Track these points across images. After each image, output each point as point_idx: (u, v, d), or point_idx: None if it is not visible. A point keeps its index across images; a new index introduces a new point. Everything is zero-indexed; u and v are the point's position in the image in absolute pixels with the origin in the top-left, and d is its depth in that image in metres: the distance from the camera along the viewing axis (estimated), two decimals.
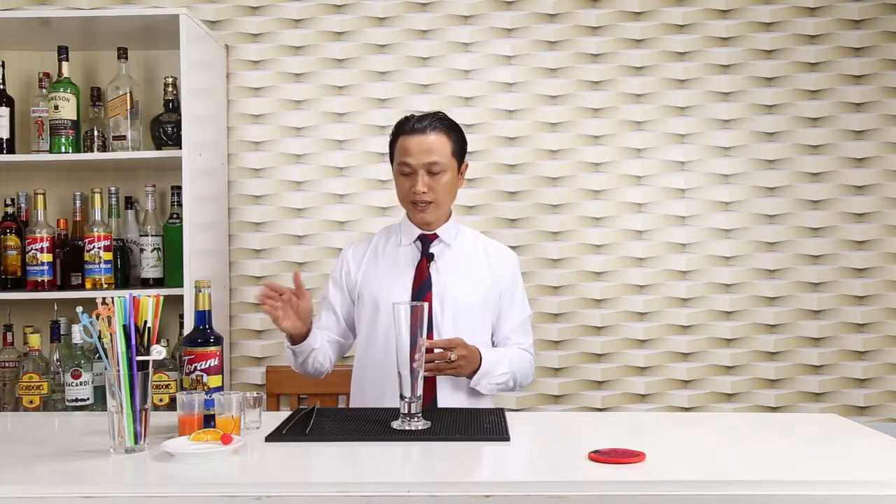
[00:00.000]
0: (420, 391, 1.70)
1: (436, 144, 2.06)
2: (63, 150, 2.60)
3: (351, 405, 2.20)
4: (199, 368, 1.70)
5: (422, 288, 2.07)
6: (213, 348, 1.71)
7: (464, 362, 1.96)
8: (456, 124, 2.14)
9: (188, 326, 2.48)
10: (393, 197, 2.86)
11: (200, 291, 1.73)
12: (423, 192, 2.05)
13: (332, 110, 2.90)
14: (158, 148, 2.67)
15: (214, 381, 1.71)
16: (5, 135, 2.62)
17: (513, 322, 2.17)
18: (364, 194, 2.89)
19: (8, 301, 2.61)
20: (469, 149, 2.87)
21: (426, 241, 2.13)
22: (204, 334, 1.72)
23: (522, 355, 2.15)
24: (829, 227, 2.86)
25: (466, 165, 2.19)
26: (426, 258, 2.11)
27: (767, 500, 1.31)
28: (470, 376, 2.02)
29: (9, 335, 2.59)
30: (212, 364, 1.71)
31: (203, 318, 1.73)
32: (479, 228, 2.86)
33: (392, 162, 2.14)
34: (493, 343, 2.17)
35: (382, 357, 2.06)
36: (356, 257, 2.20)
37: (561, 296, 2.88)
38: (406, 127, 2.08)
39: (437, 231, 2.14)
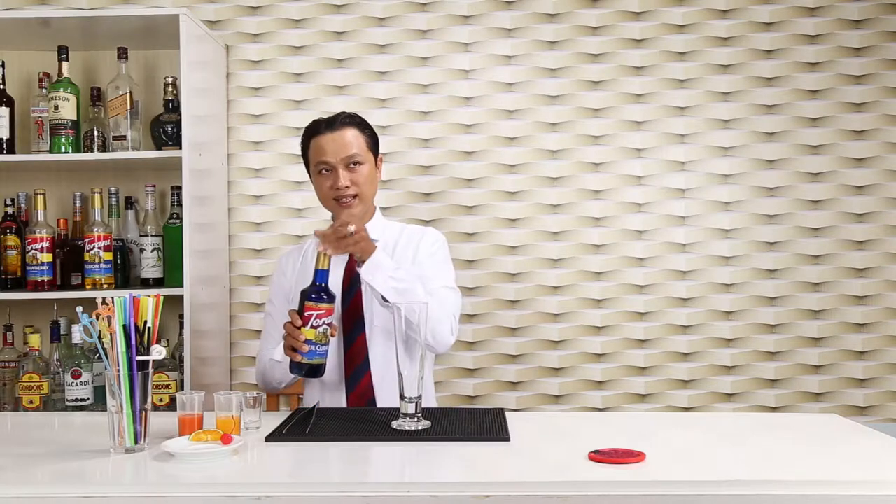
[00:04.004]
0: (420, 391, 1.70)
1: (351, 139, 2.08)
2: (63, 150, 2.60)
3: (305, 404, 2.16)
4: (326, 323, 1.82)
5: (352, 284, 2.07)
6: (334, 304, 1.85)
7: (357, 237, 1.92)
8: (365, 120, 2.16)
9: (188, 326, 2.48)
10: (393, 197, 2.88)
11: (324, 253, 1.84)
12: (347, 187, 2.06)
13: (331, 110, 2.88)
14: (158, 148, 2.67)
15: (332, 333, 1.86)
16: (5, 135, 2.62)
17: (429, 286, 2.03)
18: None
19: (8, 301, 2.61)
20: (469, 149, 2.90)
21: None
22: (327, 291, 1.83)
23: (438, 299, 1.99)
24: (829, 227, 2.86)
25: (381, 159, 2.19)
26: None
27: (767, 500, 1.31)
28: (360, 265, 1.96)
29: (9, 335, 2.59)
30: (332, 320, 1.85)
31: (324, 276, 1.83)
32: (479, 229, 2.87)
33: (308, 166, 2.15)
34: None
35: (335, 355, 2.04)
36: (289, 266, 2.20)
37: (561, 296, 2.88)
38: (319, 128, 2.10)
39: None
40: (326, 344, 1.83)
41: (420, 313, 1.70)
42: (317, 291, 1.82)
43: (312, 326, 1.80)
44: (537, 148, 2.89)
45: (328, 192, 2.09)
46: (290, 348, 1.84)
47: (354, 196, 2.08)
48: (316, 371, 1.85)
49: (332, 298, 1.84)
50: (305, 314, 1.81)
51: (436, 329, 1.98)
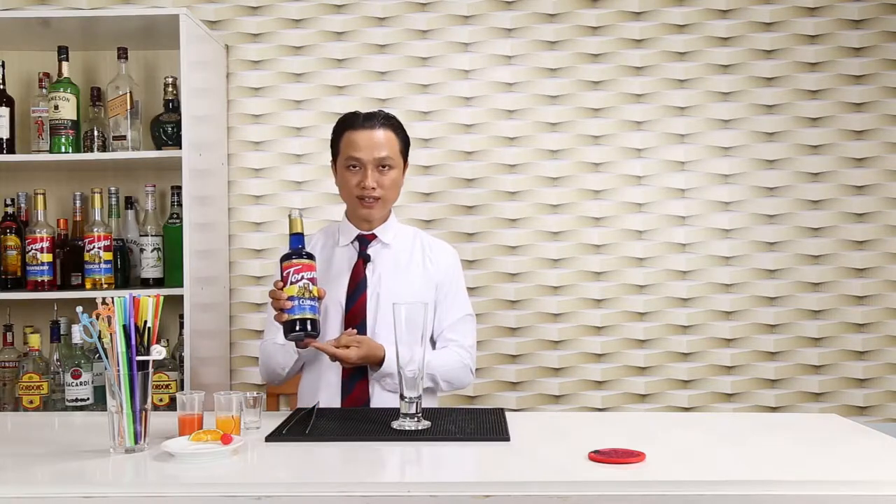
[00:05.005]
0: (420, 391, 1.70)
1: (387, 140, 2.06)
2: (63, 150, 2.60)
3: (299, 405, 2.15)
4: (306, 277, 1.83)
5: (357, 289, 2.06)
6: (314, 262, 1.87)
7: (353, 353, 1.93)
8: (401, 124, 2.14)
9: (188, 326, 2.48)
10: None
11: (293, 217, 1.87)
12: (372, 188, 2.04)
13: (331, 110, 2.90)
14: (158, 148, 2.67)
15: (317, 291, 1.86)
16: (5, 135, 2.62)
17: (450, 318, 2.13)
18: None
19: (8, 301, 2.61)
20: (469, 149, 2.90)
21: (364, 241, 2.12)
22: (302, 250, 1.86)
23: (451, 357, 2.09)
24: (829, 227, 2.86)
25: (407, 165, 2.17)
26: (362, 259, 2.10)
27: (767, 500, 1.31)
28: (374, 369, 2.00)
29: (9, 335, 2.59)
30: (314, 276, 1.86)
31: (297, 240, 1.87)
32: (479, 229, 2.87)
33: (335, 158, 2.13)
34: (432, 340, 2.14)
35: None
36: None
37: (561, 296, 2.88)
38: (354, 123, 2.08)
39: (375, 231, 2.13)
40: (312, 299, 1.84)
41: (432, 368, 1.99)
42: (290, 252, 1.86)
43: (292, 282, 1.83)
44: (537, 148, 2.89)
45: (353, 188, 2.07)
46: (279, 311, 1.85)
47: (378, 199, 2.06)
48: (308, 328, 1.83)
49: (308, 256, 1.86)
50: (283, 274, 1.85)
51: (459, 383, 2.12)
